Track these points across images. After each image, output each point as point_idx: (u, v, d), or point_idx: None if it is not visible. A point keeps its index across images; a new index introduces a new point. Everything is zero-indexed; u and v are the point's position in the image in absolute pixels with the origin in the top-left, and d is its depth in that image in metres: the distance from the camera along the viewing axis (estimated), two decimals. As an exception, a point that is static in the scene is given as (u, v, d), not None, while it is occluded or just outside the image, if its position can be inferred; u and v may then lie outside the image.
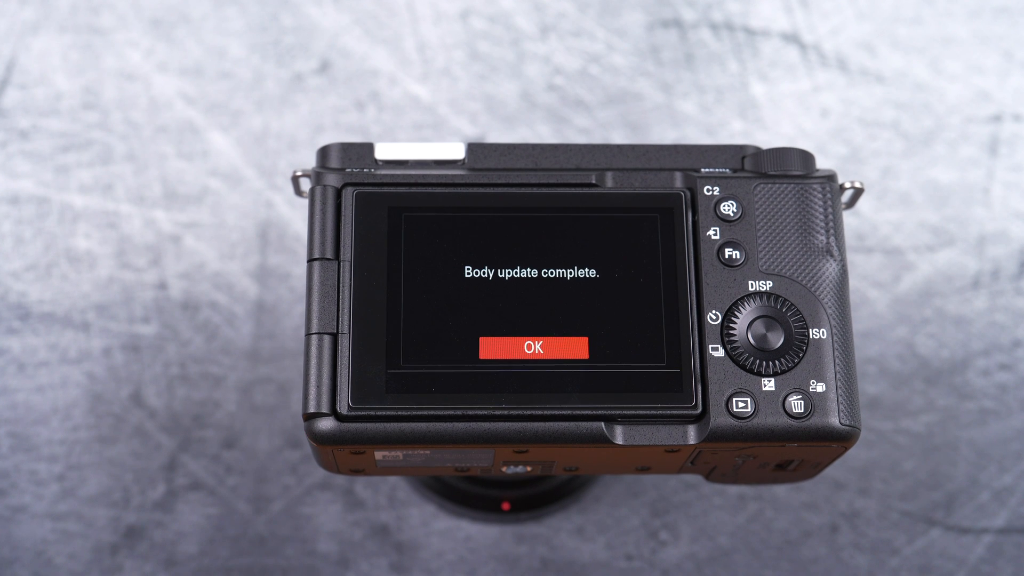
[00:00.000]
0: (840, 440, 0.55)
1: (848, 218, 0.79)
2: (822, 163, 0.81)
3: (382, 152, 0.58)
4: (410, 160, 0.58)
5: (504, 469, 0.59)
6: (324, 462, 0.57)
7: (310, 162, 0.80)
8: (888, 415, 0.78)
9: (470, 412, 0.54)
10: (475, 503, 0.76)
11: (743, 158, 0.58)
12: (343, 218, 0.56)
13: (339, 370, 0.55)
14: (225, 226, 0.80)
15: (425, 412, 0.54)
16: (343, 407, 0.54)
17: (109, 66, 0.83)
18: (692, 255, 0.57)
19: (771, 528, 0.77)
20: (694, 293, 0.56)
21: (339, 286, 0.56)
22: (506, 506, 0.76)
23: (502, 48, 0.84)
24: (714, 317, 0.56)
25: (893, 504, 0.77)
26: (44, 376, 0.78)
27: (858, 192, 0.59)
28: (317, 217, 0.56)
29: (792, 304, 0.56)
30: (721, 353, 0.55)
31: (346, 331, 0.55)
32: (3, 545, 0.76)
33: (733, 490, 0.77)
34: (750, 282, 0.56)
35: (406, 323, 0.55)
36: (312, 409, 0.54)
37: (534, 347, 0.56)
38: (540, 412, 0.54)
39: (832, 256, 0.57)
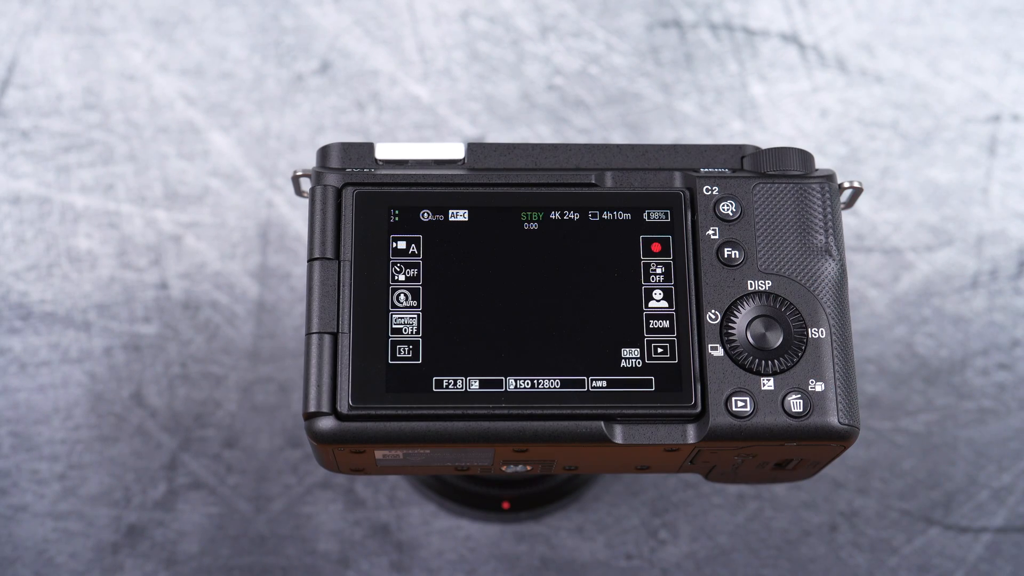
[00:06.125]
0: (839, 439, 0.55)
1: (847, 218, 0.79)
2: (821, 163, 0.81)
3: (382, 152, 0.58)
4: (410, 160, 0.58)
5: (504, 468, 0.59)
6: (324, 461, 0.57)
7: (310, 162, 0.80)
8: (887, 414, 0.78)
9: (470, 411, 0.55)
10: (475, 502, 0.76)
11: (742, 158, 0.58)
12: (343, 218, 0.56)
13: (339, 369, 0.55)
14: (226, 226, 0.81)
15: (425, 411, 0.54)
16: (343, 406, 0.54)
17: (110, 66, 0.83)
18: (691, 255, 0.57)
19: (770, 527, 0.77)
20: (693, 293, 0.56)
21: (339, 286, 0.56)
22: (506, 505, 0.76)
23: (502, 48, 0.85)
24: (713, 316, 0.56)
25: (892, 503, 0.77)
26: (45, 375, 0.78)
27: (857, 192, 0.59)
28: (317, 217, 0.56)
29: (791, 303, 0.56)
30: (720, 352, 0.55)
31: (346, 330, 0.55)
32: (4, 544, 0.76)
33: (732, 489, 0.77)
34: (749, 282, 0.56)
35: (406, 322, 0.56)
36: (312, 408, 0.54)
37: (534, 346, 0.56)
38: (540, 411, 0.55)
39: (831, 256, 0.57)
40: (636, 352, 0.55)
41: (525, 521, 0.77)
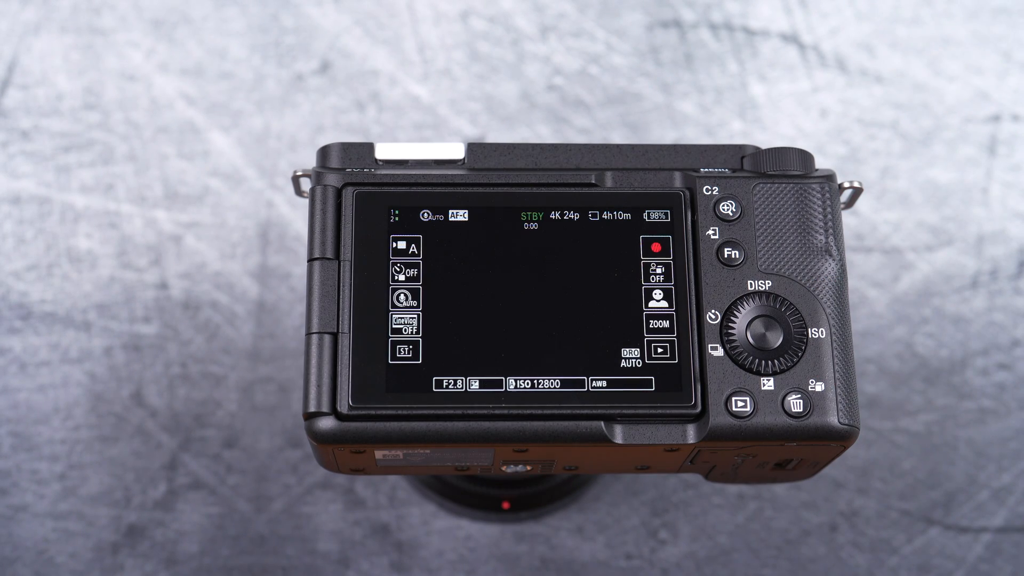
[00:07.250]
0: (839, 439, 0.55)
1: (847, 218, 0.79)
2: (821, 163, 0.81)
3: (382, 152, 0.58)
4: (410, 160, 0.58)
5: (504, 468, 0.59)
6: (324, 461, 0.57)
7: (310, 162, 0.80)
8: (887, 414, 0.78)
9: (470, 411, 0.55)
10: (475, 502, 0.76)
11: (742, 158, 0.58)
12: (343, 218, 0.57)
13: (339, 369, 0.55)
14: (226, 226, 0.81)
15: (425, 411, 0.54)
16: (343, 406, 0.54)
17: (110, 66, 0.83)
18: (691, 255, 0.57)
19: (770, 527, 0.77)
20: (693, 293, 0.56)
21: (339, 286, 0.56)
22: (506, 505, 0.76)
23: (502, 48, 0.85)
24: (713, 317, 0.56)
25: (892, 503, 0.77)
26: (45, 375, 0.78)
27: (857, 192, 0.59)
28: (317, 217, 0.56)
29: (791, 303, 0.56)
30: (720, 352, 0.55)
31: (346, 330, 0.55)
32: (4, 544, 0.76)
33: (732, 489, 0.77)
34: (749, 282, 0.56)
35: (406, 322, 0.56)
36: (312, 408, 0.54)
37: (534, 346, 0.56)
38: (540, 412, 0.55)
39: (831, 256, 0.57)
40: (636, 352, 0.55)
41: (525, 521, 0.77)
